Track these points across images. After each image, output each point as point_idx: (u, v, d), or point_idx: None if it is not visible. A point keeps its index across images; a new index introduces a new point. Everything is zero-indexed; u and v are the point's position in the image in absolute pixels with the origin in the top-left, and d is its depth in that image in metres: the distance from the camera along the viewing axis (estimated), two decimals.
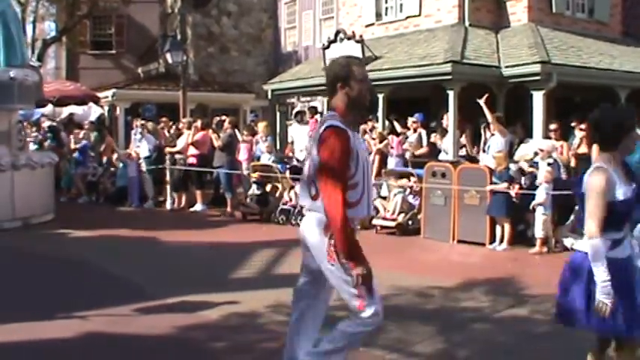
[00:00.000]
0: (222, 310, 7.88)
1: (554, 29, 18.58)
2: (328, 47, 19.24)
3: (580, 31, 19.49)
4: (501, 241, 12.05)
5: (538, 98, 15.57)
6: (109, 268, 10.31)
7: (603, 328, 4.73)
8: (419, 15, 19.81)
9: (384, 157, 15.69)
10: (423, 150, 15.79)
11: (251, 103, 29.78)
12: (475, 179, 12.55)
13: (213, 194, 17.72)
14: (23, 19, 30.20)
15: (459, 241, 12.57)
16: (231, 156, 16.56)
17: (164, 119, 20.12)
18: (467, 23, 18.58)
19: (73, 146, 19.76)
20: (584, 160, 12.49)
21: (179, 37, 26.95)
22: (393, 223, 13.60)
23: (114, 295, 8.63)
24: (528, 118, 15.60)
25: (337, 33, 19.27)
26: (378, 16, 21.17)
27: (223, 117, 17.84)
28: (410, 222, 13.67)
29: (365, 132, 17.08)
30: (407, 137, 16.08)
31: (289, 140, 20.01)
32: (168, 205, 17.55)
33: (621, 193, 4.66)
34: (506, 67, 16.17)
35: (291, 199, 15.39)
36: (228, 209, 16.37)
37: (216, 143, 16.53)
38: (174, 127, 19.45)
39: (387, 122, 17.57)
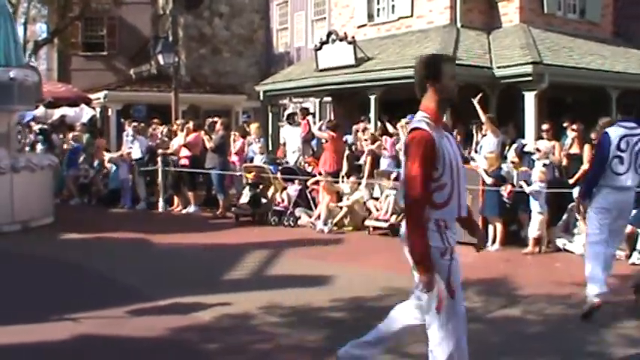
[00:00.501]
0: (215, 312, 7.86)
1: (545, 30, 18.64)
2: (320, 48, 19.27)
3: (571, 31, 19.56)
4: (494, 241, 12.05)
5: (530, 99, 15.61)
6: (103, 270, 10.29)
7: None
8: (411, 16, 19.85)
9: (376, 158, 15.67)
10: None
11: (243, 104, 29.79)
12: (467, 180, 12.53)
13: (205, 196, 17.70)
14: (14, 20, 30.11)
15: None
16: (223, 157, 16.54)
17: (155, 120, 20.09)
18: (459, 24, 18.63)
19: (66, 147, 19.73)
20: (575, 161, 12.53)
21: (171, 38, 26.95)
22: (385, 224, 13.59)
23: (108, 297, 8.62)
24: (520, 119, 15.64)
25: (329, 34, 19.30)
26: (370, 17, 21.20)
27: (215, 118, 17.83)
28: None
29: (357, 132, 17.13)
30: (399, 138, 16.07)
31: (281, 142, 20.00)
32: (160, 207, 17.52)
33: None
34: (498, 67, 16.22)
35: (283, 201, 15.39)
36: (221, 210, 16.35)
37: (209, 145, 16.51)
38: (165, 128, 19.40)
39: (378, 123, 17.56)
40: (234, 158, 17.44)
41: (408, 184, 4.57)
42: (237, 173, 16.87)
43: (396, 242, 12.39)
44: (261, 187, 15.95)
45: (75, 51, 33.19)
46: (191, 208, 16.98)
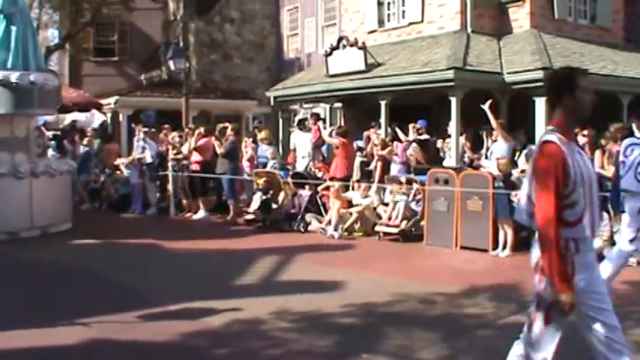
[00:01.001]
0: (225, 317, 7.87)
1: (556, 35, 18.61)
2: (331, 54, 19.29)
3: (582, 37, 19.53)
4: (504, 247, 12.03)
5: (540, 104, 15.59)
6: (114, 275, 10.33)
7: None
8: (421, 22, 19.85)
9: (386, 163, 15.67)
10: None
11: (254, 109, 29.83)
12: (478, 185, 12.54)
13: (215, 201, 17.71)
14: None
15: (462, 248, 12.54)
16: (234, 163, 16.55)
17: (166, 126, 20.13)
18: (469, 30, 18.62)
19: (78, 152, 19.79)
20: None
21: (182, 44, 27.02)
22: (395, 230, 13.58)
23: (118, 302, 8.64)
24: (531, 125, 15.61)
25: (340, 40, 19.33)
26: (381, 22, 21.21)
27: (226, 124, 17.84)
28: (413, 228, 13.65)
29: (369, 139, 17.13)
30: (411, 144, 16.07)
31: (291, 147, 20.02)
32: (171, 212, 17.55)
33: None
34: (509, 73, 16.20)
35: (293, 206, 15.38)
36: (231, 216, 16.37)
37: (219, 150, 16.52)
38: (176, 134, 19.41)
39: (389, 129, 17.55)
40: (245, 164, 17.47)
41: (538, 200, 4.43)
42: (248, 178, 16.88)
43: (407, 248, 12.39)
44: (271, 192, 15.96)
45: (86, 56, 33.35)
46: (201, 214, 16.98)
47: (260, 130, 19.31)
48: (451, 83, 15.80)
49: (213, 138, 17.10)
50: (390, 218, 13.90)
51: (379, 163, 15.54)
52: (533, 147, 14.22)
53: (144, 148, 18.00)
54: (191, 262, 11.65)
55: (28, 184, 14.07)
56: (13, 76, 13.76)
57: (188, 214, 17.24)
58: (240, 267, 10.86)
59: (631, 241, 8.32)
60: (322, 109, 23.92)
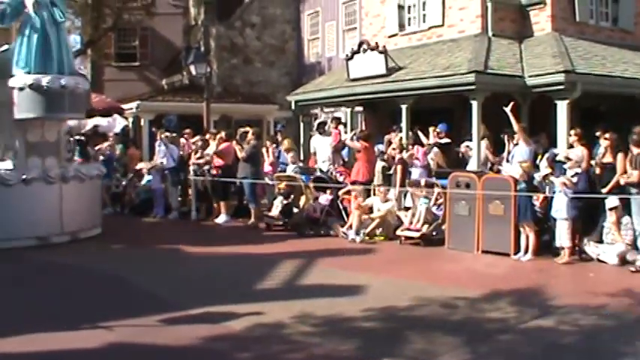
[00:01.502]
0: (246, 321, 7.90)
1: (577, 38, 18.49)
2: (351, 58, 19.26)
3: (604, 39, 19.38)
4: (526, 251, 11.99)
5: (562, 108, 15.48)
6: (138, 280, 10.40)
7: None
8: (442, 25, 19.78)
9: (406, 167, 15.64)
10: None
11: (274, 114, 29.84)
12: (499, 189, 12.50)
13: (236, 205, 17.75)
14: None
15: (484, 252, 12.52)
16: (255, 167, 16.59)
17: (188, 131, 20.18)
18: (490, 33, 18.54)
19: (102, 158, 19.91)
20: (609, 170, 12.43)
21: (203, 48, 27.12)
22: (417, 234, 13.57)
23: (141, 306, 8.70)
24: (552, 128, 15.53)
25: (360, 44, 19.29)
26: (401, 26, 21.15)
27: (247, 128, 17.88)
28: (434, 233, 13.63)
29: (390, 142, 17.10)
30: (432, 148, 16.03)
31: (311, 151, 20.02)
32: (193, 216, 17.61)
33: None
34: (530, 76, 16.10)
35: (315, 210, 15.38)
36: (252, 220, 16.40)
37: (240, 154, 16.56)
38: (198, 138, 19.44)
39: (410, 133, 17.50)
40: (267, 168, 17.51)
41: None
42: (270, 182, 16.91)
43: (428, 252, 12.41)
44: (292, 196, 15.98)
45: (108, 62, 33.56)
46: (223, 218, 17.02)
47: (283, 139, 19.25)
48: (472, 87, 15.73)
49: (234, 142, 17.15)
50: (411, 222, 13.90)
51: (399, 167, 15.51)
52: (556, 151, 14.24)
53: (165, 153, 18.08)
54: (213, 266, 11.70)
55: (58, 189, 14.02)
56: (45, 80, 13.70)
57: (211, 219, 17.28)
58: (261, 271, 10.89)
59: None
60: (343, 113, 23.89)
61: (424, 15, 20.46)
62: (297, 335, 7.38)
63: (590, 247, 11.78)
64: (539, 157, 13.96)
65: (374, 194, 15.08)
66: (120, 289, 9.95)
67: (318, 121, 22.74)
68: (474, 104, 15.78)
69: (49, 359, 6.79)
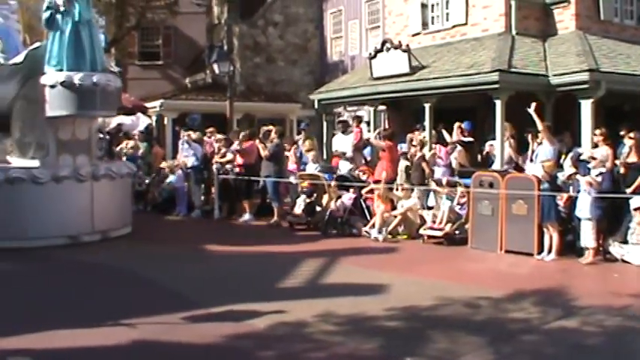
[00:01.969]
0: (269, 320, 7.92)
1: (602, 37, 18.37)
2: (375, 57, 19.24)
3: (629, 38, 19.24)
4: (550, 251, 11.94)
5: (586, 107, 15.40)
6: (161, 278, 10.45)
7: None
8: (465, 24, 19.72)
9: (427, 164, 15.59)
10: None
11: (297, 112, 29.83)
12: (523, 189, 12.45)
13: (259, 204, 17.78)
14: None
15: (507, 251, 12.47)
16: (278, 165, 16.61)
17: (211, 129, 20.24)
18: (514, 32, 18.46)
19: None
20: (633, 170, 12.34)
21: (226, 47, 27.19)
22: (440, 233, 13.55)
23: (162, 304, 8.74)
24: (576, 127, 15.45)
25: (384, 42, 19.26)
26: (425, 25, 21.11)
27: (270, 127, 17.91)
28: (457, 232, 13.61)
29: (412, 141, 17.08)
30: (455, 147, 15.99)
31: (333, 150, 20.03)
32: (216, 215, 17.67)
33: None
34: (554, 75, 16.03)
35: (338, 209, 15.38)
36: (275, 218, 16.43)
37: (263, 153, 16.59)
38: (223, 139, 19.47)
39: (433, 132, 17.46)
40: (292, 166, 17.54)
41: None
42: (293, 181, 16.92)
43: (451, 251, 12.40)
44: (315, 195, 15.99)
45: (131, 60, 33.71)
46: (246, 217, 17.06)
47: (304, 139, 19.22)
48: (496, 85, 15.67)
49: (257, 141, 17.18)
50: (434, 221, 13.88)
51: (423, 164, 15.48)
52: (580, 150, 14.17)
53: (189, 151, 18.16)
54: (236, 264, 11.73)
55: (89, 187, 13.94)
56: (76, 77, 13.60)
57: (234, 218, 17.32)
58: (284, 269, 10.91)
59: None
60: (366, 111, 23.89)
61: (447, 13, 20.41)
62: (320, 334, 7.39)
63: (615, 248, 11.71)
64: (563, 156, 13.91)
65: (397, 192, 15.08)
66: (145, 287, 10.00)
67: (338, 120, 22.74)
68: (498, 103, 15.73)
69: (73, 355, 6.83)
